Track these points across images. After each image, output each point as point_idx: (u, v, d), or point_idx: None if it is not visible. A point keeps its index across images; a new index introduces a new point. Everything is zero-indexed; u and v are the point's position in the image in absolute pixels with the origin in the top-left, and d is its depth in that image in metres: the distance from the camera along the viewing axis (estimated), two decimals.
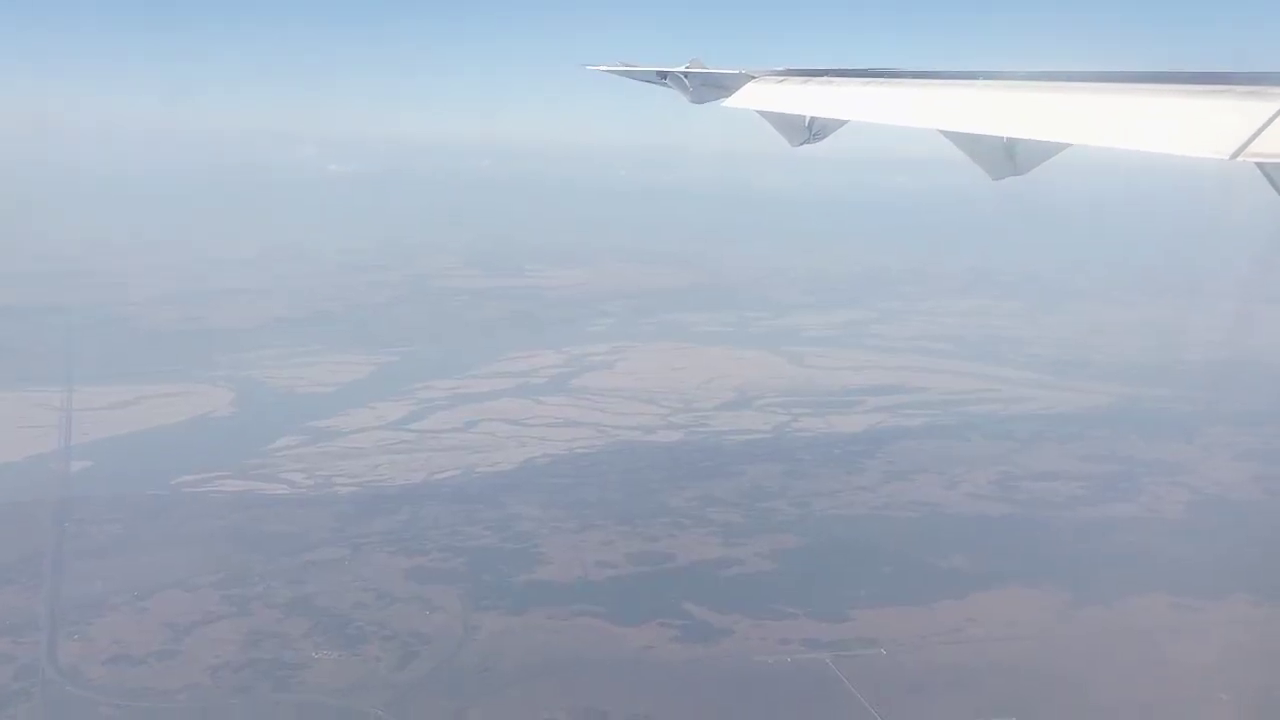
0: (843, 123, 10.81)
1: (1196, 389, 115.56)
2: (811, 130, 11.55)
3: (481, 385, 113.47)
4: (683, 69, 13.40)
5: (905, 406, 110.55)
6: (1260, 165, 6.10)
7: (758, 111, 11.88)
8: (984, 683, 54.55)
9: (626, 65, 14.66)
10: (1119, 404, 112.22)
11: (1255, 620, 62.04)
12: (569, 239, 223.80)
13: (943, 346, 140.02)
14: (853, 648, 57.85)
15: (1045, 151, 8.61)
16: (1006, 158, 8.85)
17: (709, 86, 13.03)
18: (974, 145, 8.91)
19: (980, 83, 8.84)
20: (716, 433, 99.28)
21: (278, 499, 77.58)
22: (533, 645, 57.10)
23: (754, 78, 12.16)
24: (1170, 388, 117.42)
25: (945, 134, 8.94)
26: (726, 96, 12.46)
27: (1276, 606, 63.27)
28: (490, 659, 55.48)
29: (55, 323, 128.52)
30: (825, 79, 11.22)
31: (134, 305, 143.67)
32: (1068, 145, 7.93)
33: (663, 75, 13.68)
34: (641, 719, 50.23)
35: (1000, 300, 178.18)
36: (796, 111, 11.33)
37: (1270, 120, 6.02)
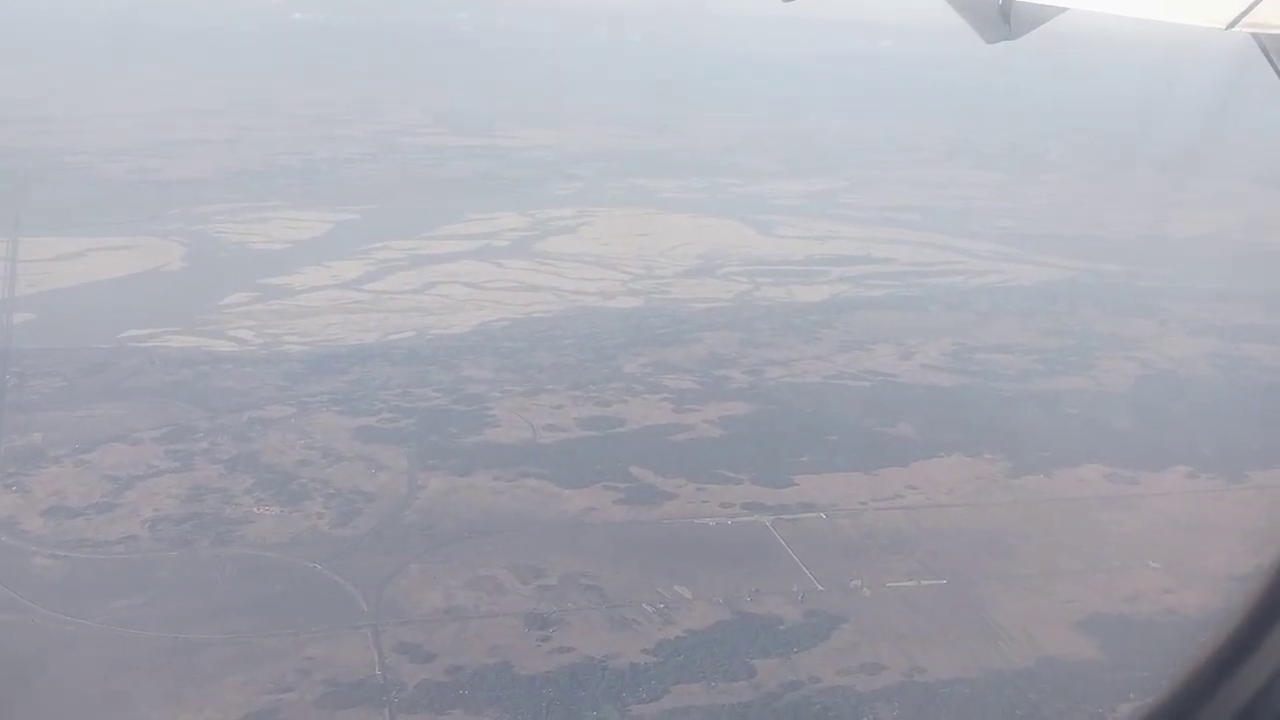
0: None
1: (1163, 265, 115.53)
2: None
3: (442, 246, 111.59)
4: None
5: (869, 277, 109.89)
6: (1256, 36, 5.80)
7: None
8: (918, 546, 55.61)
9: None
10: (1083, 278, 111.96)
11: (1190, 492, 63.32)
12: (541, 99, 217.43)
13: (913, 217, 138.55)
14: (793, 511, 58.65)
15: (1041, 15, 8.33)
16: (1001, 20, 8.54)
17: None
18: (970, 6, 8.64)
19: None
20: (676, 300, 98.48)
21: (226, 356, 76.71)
22: (476, 505, 57.54)
23: None
24: (1137, 263, 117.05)
25: None
26: None
27: (1213, 479, 64.48)
28: (433, 517, 55.89)
29: (2, 170, 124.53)
30: None
31: (86, 154, 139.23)
32: (1064, 10, 7.60)
33: None
34: (577, 575, 50.95)
35: (977, 171, 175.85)
36: None
37: None
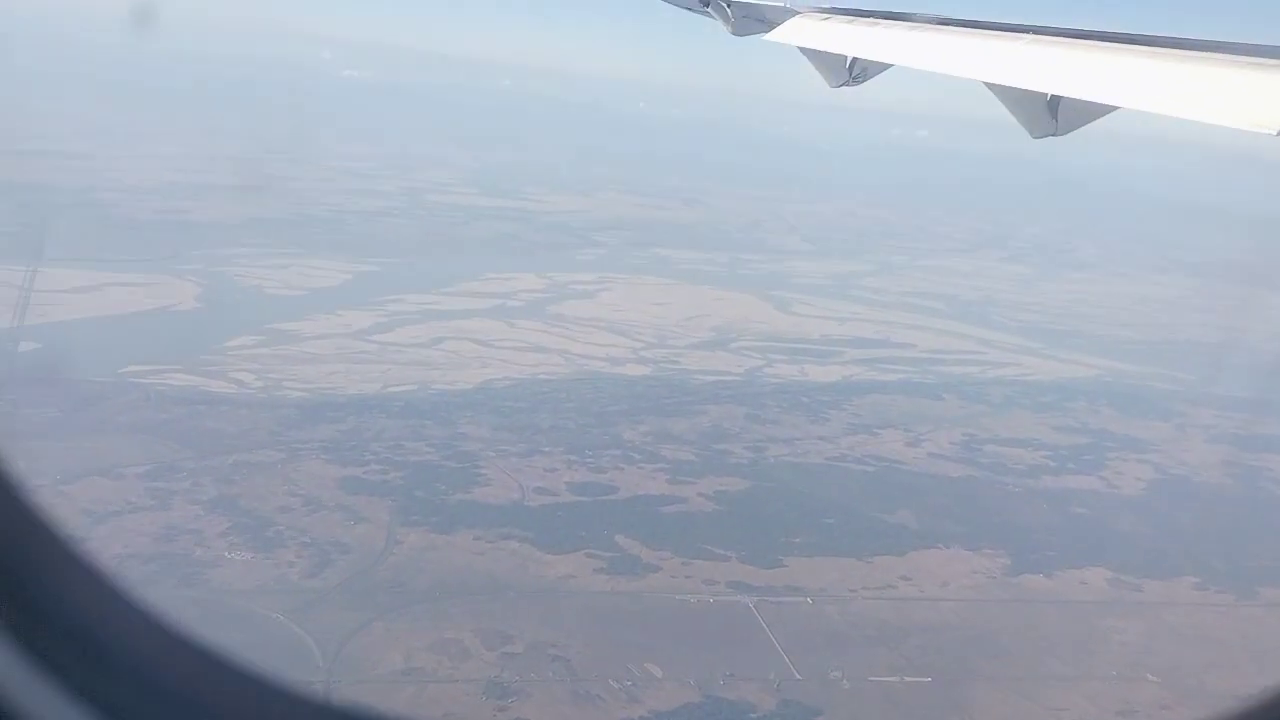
0: (885, 66, 10.70)
1: (1184, 369, 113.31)
2: (852, 72, 11.43)
3: (456, 303, 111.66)
4: None
5: (884, 361, 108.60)
6: None
7: (799, 48, 11.74)
8: (905, 640, 53.37)
9: None
10: (1102, 377, 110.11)
11: (1197, 604, 60.63)
12: (575, 166, 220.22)
13: (935, 305, 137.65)
14: (779, 594, 56.66)
15: (1089, 113, 8.44)
16: (1049, 116, 8.70)
17: (751, 19, 13.03)
18: (1017, 100, 8.76)
19: (1029, 37, 8.66)
20: (685, 370, 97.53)
21: (223, 397, 76.22)
22: (453, 565, 56.00)
23: (798, 13, 12.13)
24: (1158, 366, 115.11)
25: (989, 86, 8.75)
26: (768, 30, 12.44)
27: (1221, 592, 61.79)
28: (406, 574, 54.41)
29: (33, 201, 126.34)
30: (871, 20, 11.13)
31: (118, 192, 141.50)
32: (1114, 108, 7.75)
33: (705, 2, 13.68)
34: (546, 645, 49.13)
35: (1003, 264, 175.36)
36: (839, 51, 11.21)
37: None
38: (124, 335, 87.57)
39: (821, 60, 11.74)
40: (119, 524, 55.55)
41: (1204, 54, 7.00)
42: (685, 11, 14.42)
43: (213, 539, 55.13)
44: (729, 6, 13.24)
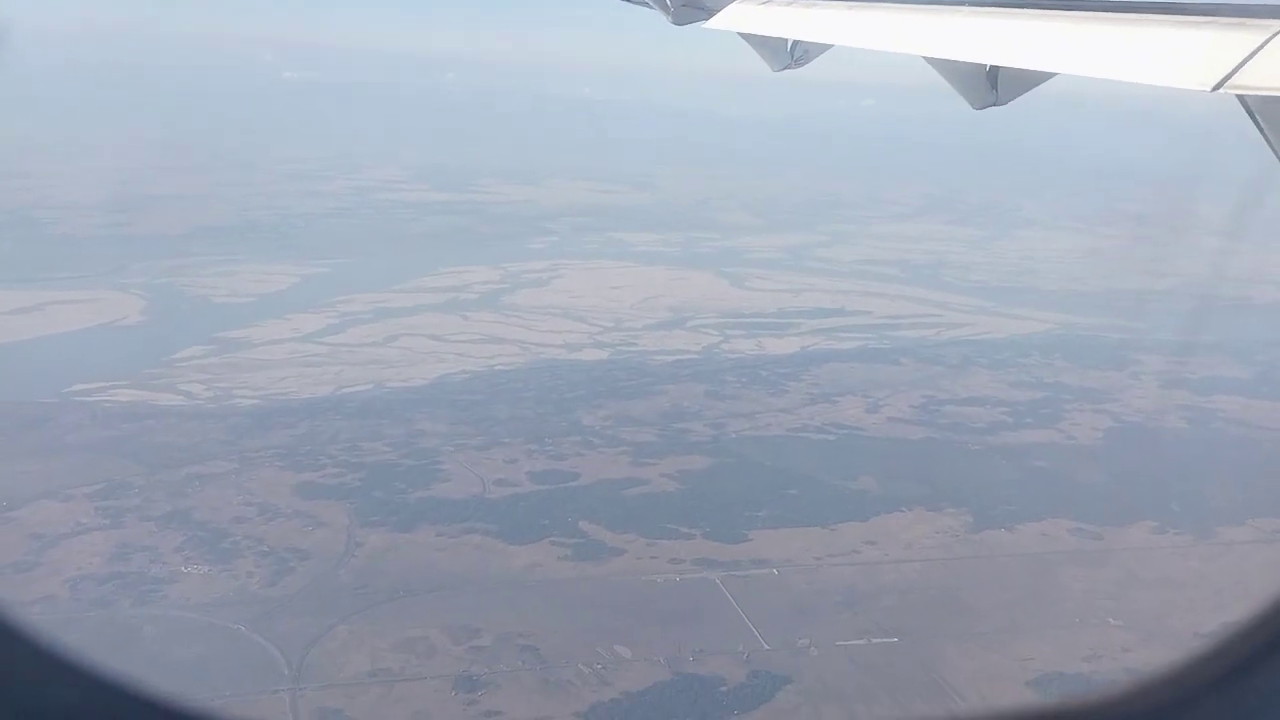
0: (826, 47, 10.75)
1: (1135, 319, 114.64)
2: (794, 55, 11.47)
3: (408, 300, 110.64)
4: None
5: (841, 330, 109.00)
6: (1241, 98, 5.98)
7: (739, 34, 11.69)
8: (872, 604, 53.61)
9: None
10: (1056, 331, 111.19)
11: (1156, 548, 61.43)
12: (523, 156, 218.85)
13: (888, 271, 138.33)
14: (745, 568, 56.70)
15: (1028, 81, 8.56)
16: (989, 86, 8.82)
17: (690, 7, 12.98)
18: (957, 73, 8.84)
19: (966, 9, 8.74)
20: (643, 352, 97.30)
21: (172, 410, 75.01)
22: (415, 563, 55.48)
23: None
24: (1110, 317, 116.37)
25: (930, 61, 8.83)
26: (708, 18, 12.42)
27: (1179, 534, 62.64)
28: (368, 576, 53.82)
29: None
30: (809, 2, 11.00)
31: (57, 208, 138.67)
32: (1051, 75, 7.89)
33: None
34: (513, 635, 48.83)
35: (952, 226, 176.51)
36: (779, 34, 11.21)
37: (1254, 52, 5.89)
38: (68, 354, 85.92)
39: (763, 45, 11.66)
40: (70, 546, 54.50)
41: (1135, 15, 7.02)
42: (626, 3, 14.33)
43: (168, 554, 54.22)
44: None
